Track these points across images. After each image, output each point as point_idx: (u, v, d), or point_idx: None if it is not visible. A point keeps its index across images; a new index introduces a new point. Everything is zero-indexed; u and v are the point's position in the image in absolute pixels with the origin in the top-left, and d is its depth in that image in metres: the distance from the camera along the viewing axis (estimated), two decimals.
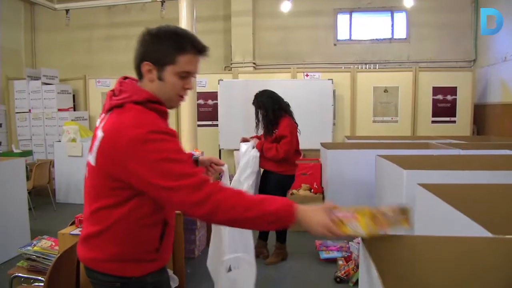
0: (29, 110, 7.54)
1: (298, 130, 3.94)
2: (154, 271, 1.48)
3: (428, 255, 1.52)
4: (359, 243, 3.57)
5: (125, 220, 1.37)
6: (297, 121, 3.98)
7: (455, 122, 6.98)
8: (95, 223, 1.40)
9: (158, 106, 1.40)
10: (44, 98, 7.42)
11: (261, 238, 4.05)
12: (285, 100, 3.99)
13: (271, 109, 3.81)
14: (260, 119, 3.90)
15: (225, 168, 1.68)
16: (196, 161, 1.81)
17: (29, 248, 2.84)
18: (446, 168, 3.18)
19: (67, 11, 7.82)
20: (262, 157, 3.84)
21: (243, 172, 3.63)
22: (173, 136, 1.33)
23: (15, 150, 6.99)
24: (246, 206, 1.25)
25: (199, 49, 1.41)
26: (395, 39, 7.92)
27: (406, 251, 1.53)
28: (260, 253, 4.01)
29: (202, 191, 1.24)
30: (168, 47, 1.37)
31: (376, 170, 3.97)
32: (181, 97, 1.47)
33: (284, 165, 3.82)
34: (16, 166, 4.11)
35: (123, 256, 1.42)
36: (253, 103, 3.95)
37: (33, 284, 2.66)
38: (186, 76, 1.42)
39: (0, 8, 8.18)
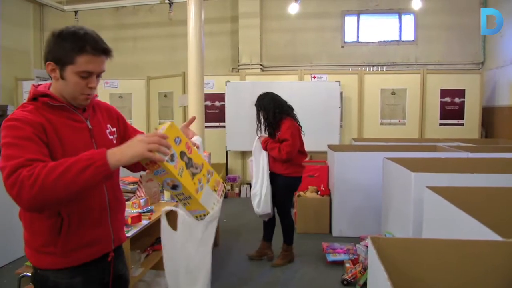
0: None
1: (302, 132, 3.93)
2: (55, 268, 1.47)
3: (437, 258, 1.51)
4: (366, 246, 3.57)
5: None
6: (303, 123, 3.97)
7: (463, 125, 6.94)
8: None
9: (46, 99, 1.44)
10: None
11: (265, 239, 4.04)
12: (292, 102, 3.98)
13: (272, 112, 3.78)
14: (261, 121, 3.90)
15: (197, 140, 1.64)
16: None
17: None
18: (454, 171, 3.17)
19: (75, 12, 7.90)
20: (270, 159, 3.85)
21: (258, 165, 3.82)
22: (25, 123, 1.33)
23: None
24: (50, 168, 1.21)
25: (99, 50, 1.43)
26: (403, 41, 7.89)
27: (415, 254, 1.53)
28: (265, 254, 4.01)
29: (15, 173, 1.22)
30: (68, 48, 1.40)
31: (383, 172, 3.96)
32: (86, 95, 1.49)
33: (290, 167, 3.81)
34: None
35: (27, 241, 1.50)
36: (255, 104, 3.93)
37: None
38: (88, 76, 1.44)
39: (10, 9, 8.27)
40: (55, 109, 1.46)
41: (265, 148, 3.86)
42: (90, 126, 1.55)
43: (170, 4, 7.31)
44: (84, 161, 1.22)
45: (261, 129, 3.94)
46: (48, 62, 1.44)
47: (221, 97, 7.15)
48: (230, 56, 8.33)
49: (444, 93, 6.91)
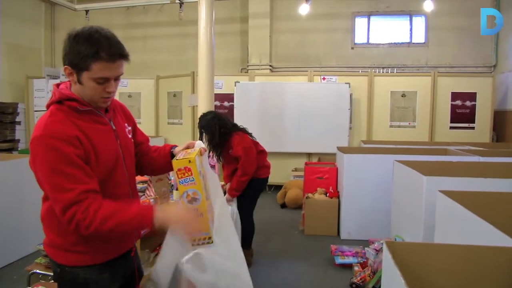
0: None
1: (252, 136, 3.79)
2: (85, 265, 1.51)
3: (453, 263, 1.49)
4: (375, 250, 3.55)
5: (51, 210, 1.44)
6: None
7: (474, 129, 6.87)
8: (43, 209, 1.52)
9: (75, 104, 1.44)
10: None
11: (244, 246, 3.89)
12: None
13: (218, 133, 3.57)
14: (204, 142, 3.65)
15: (200, 144, 1.65)
16: (172, 155, 1.74)
17: None
18: (465, 175, 3.13)
19: (86, 11, 7.94)
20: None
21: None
22: (63, 141, 1.35)
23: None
24: (105, 217, 1.34)
25: (114, 55, 1.40)
26: (414, 43, 7.84)
27: (431, 259, 1.51)
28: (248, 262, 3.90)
29: (69, 210, 1.33)
30: (83, 53, 1.36)
31: (394, 175, 3.92)
32: (105, 99, 1.49)
33: (256, 170, 3.68)
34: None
35: (55, 242, 1.51)
36: (198, 124, 3.72)
37: (50, 281, 2.68)
38: (105, 81, 1.42)
39: (21, 8, 8.34)
40: (82, 113, 1.46)
41: (235, 194, 3.64)
42: (114, 127, 1.58)
43: (180, 4, 7.32)
44: (134, 225, 1.42)
45: (220, 152, 3.72)
46: (65, 66, 1.43)
47: (230, 97, 7.15)
48: (239, 56, 8.33)
49: (455, 96, 6.85)
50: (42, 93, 7.72)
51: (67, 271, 1.52)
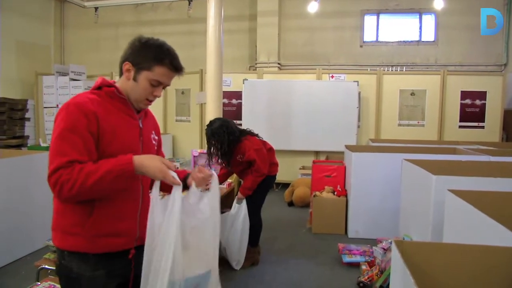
0: (57, 105, 7.70)
1: (259, 136, 3.80)
2: (80, 251, 1.50)
3: (463, 264, 1.48)
4: (383, 249, 3.53)
5: None
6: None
7: (483, 128, 6.81)
8: None
9: (112, 89, 1.57)
10: (72, 94, 7.54)
11: (251, 244, 3.85)
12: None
13: (226, 141, 3.53)
14: (213, 151, 3.63)
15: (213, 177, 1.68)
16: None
17: None
18: (475, 174, 3.10)
19: (96, 8, 7.98)
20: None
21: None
22: (81, 112, 1.44)
23: (42, 144, 7.15)
24: (86, 174, 1.37)
25: (175, 67, 1.58)
26: (423, 41, 7.78)
27: (440, 258, 1.50)
28: (256, 259, 3.91)
29: (56, 173, 1.37)
30: (150, 55, 1.54)
31: (402, 174, 3.90)
32: (148, 101, 1.63)
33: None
34: (43, 159, 4.18)
35: (56, 223, 1.55)
36: (206, 133, 3.67)
37: None
38: (157, 85, 1.58)
39: (31, 5, 8.40)
40: (116, 100, 1.58)
41: (247, 192, 3.63)
42: (141, 126, 1.66)
43: (189, 1, 7.33)
44: (117, 171, 1.41)
45: (211, 158, 3.68)
46: (126, 62, 1.57)
47: (238, 95, 7.15)
48: (247, 54, 8.33)
49: (464, 94, 6.79)
50: (51, 90, 7.78)
51: (63, 264, 1.54)
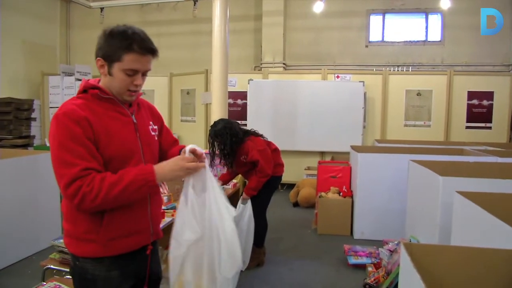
0: None
1: (263, 137, 3.78)
2: (95, 257, 1.51)
3: (473, 266, 1.46)
4: (389, 250, 3.51)
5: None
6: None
7: (490, 128, 6.76)
8: (62, 200, 1.56)
9: (97, 91, 1.53)
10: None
11: (256, 245, 3.84)
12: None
13: (229, 143, 3.51)
14: (216, 151, 3.63)
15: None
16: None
17: (61, 240, 2.87)
18: (483, 176, 3.06)
19: (101, 9, 8.00)
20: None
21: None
22: (73, 120, 1.41)
23: (48, 144, 7.16)
24: (109, 185, 1.38)
25: (145, 49, 1.49)
26: (429, 41, 7.74)
27: (450, 261, 1.48)
28: (261, 260, 3.90)
29: (74, 184, 1.36)
30: (116, 46, 1.47)
31: (409, 175, 3.87)
32: (131, 92, 1.56)
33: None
34: (48, 159, 4.20)
35: (68, 231, 1.54)
36: (209, 134, 3.65)
37: (65, 277, 2.69)
38: (133, 73, 1.51)
39: (37, 5, 8.43)
40: (104, 101, 1.54)
41: (252, 193, 3.62)
42: (135, 121, 1.62)
43: (195, 1, 7.33)
44: (140, 181, 1.42)
45: (213, 162, 3.69)
46: (98, 58, 1.51)
47: (243, 95, 7.14)
48: (253, 54, 8.31)
49: (471, 95, 6.74)
50: (57, 90, 7.79)
51: (78, 265, 1.53)
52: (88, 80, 1.58)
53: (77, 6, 8.67)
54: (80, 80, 7.67)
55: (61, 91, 7.75)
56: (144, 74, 1.55)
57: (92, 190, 1.35)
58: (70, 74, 7.82)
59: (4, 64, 7.66)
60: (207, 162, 1.60)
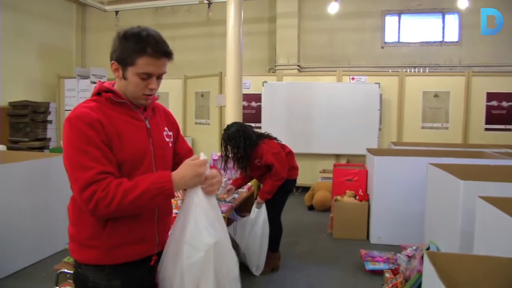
0: None
1: (277, 140, 3.73)
2: (97, 264, 1.46)
3: (496, 276, 1.40)
4: (408, 256, 3.43)
5: (73, 202, 1.48)
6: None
7: (510, 130, 6.60)
8: (69, 203, 1.54)
9: (110, 95, 1.49)
10: None
11: (271, 250, 3.77)
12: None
13: (243, 146, 3.47)
14: (229, 155, 3.59)
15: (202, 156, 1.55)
16: None
17: None
18: (505, 180, 2.97)
19: (116, 12, 8.07)
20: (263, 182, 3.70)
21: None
22: (86, 124, 1.37)
23: None
24: (124, 191, 1.33)
25: (159, 52, 1.44)
26: (446, 42, 7.61)
27: (472, 271, 1.42)
28: (276, 265, 3.84)
29: (89, 189, 1.32)
30: (130, 49, 1.42)
31: (428, 179, 3.78)
32: (146, 96, 1.51)
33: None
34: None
35: (72, 235, 1.50)
36: (223, 137, 3.62)
37: None
38: (148, 77, 1.46)
39: (54, 9, 8.55)
40: (117, 105, 1.50)
41: (267, 196, 3.57)
42: (148, 126, 1.57)
43: (209, 4, 7.33)
44: (156, 189, 1.36)
45: (227, 165, 3.64)
46: (112, 62, 1.47)
47: (257, 97, 7.10)
48: (267, 56, 8.28)
49: (490, 96, 6.59)
50: (73, 93, 7.87)
51: (79, 272, 1.50)
52: (103, 82, 1.55)
53: (92, 10, 8.77)
54: (95, 83, 7.73)
55: (77, 94, 7.83)
56: (159, 77, 1.50)
57: (107, 196, 1.31)
58: (86, 77, 7.90)
59: (21, 67, 7.77)
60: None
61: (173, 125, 1.77)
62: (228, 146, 3.56)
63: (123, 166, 1.44)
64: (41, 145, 7.67)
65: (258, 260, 3.63)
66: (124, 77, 1.47)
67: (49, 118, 7.94)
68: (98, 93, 1.51)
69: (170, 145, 1.69)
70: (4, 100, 7.48)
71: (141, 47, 1.40)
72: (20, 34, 7.72)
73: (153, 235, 1.55)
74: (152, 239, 1.55)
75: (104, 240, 1.44)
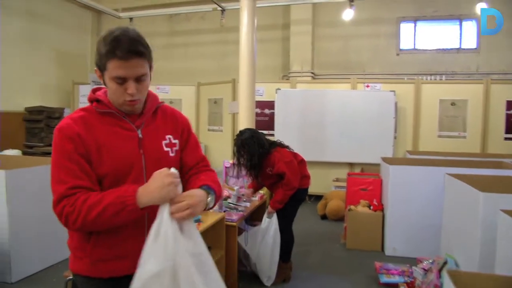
0: None
1: (289, 148, 3.66)
2: (86, 275, 1.44)
3: None
4: (424, 269, 3.31)
5: None
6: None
7: None
8: None
9: (97, 105, 1.44)
10: None
11: (282, 260, 3.70)
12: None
13: (257, 154, 3.43)
14: (242, 162, 3.53)
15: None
16: None
17: None
18: None
19: (130, 19, 8.13)
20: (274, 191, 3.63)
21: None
22: (66, 136, 1.35)
23: None
24: (89, 207, 1.27)
25: (124, 53, 1.31)
26: (463, 49, 7.45)
27: None
28: (288, 275, 3.75)
29: (60, 203, 1.31)
30: (102, 53, 1.34)
31: (445, 190, 3.67)
32: (129, 102, 1.41)
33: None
34: None
35: (68, 245, 1.51)
36: (236, 143, 3.57)
37: None
38: (123, 81, 1.36)
39: (69, 16, 8.65)
40: (105, 115, 1.44)
41: (278, 206, 3.51)
42: (140, 135, 1.47)
43: (222, 11, 7.32)
44: (118, 205, 1.27)
45: (240, 172, 3.62)
46: (95, 68, 1.42)
47: (270, 104, 7.04)
48: (281, 63, 8.23)
49: (510, 104, 6.42)
50: (86, 99, 7.92)
51: (74, 281, 1.51)
52: (98, 89, 1.49)
53: (107, 17, 8.84)
54: None
55: None
56: (139, 80, 1.38)
57: (74, 211, 1.28)
58: (99, 83, 7.92)
59: (36, 73, 7.86)
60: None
61: (182, 132, 1.63)
62: (241, 152, 3.50)
63: (105, 179, 1.39)
64: None
65: (269, 270, 3.56)
66: (105, 84, 1.40)
67: None
68: (91, 101, 1.46)
69: (171, 154, 1.55)
70: (21, 105, 7.55)
71: (109, 50, 1.31)
72: (36, 41, 7.81)
73: (139, 252, 1.35)
74: (138, 256, 1.35)
75: (89, 253, 1.41)
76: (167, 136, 1.56)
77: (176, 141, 1.59)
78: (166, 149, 1.54)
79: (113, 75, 1.34)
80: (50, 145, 7.50)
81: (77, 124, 1.38)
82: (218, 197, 1.50)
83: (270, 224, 3.52)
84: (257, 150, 3.43)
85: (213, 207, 1.50)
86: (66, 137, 1.35)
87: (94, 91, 1.49)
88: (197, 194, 1.38)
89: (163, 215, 1.28)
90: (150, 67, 1.43)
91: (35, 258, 3.79)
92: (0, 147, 6.53)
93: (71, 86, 8.24)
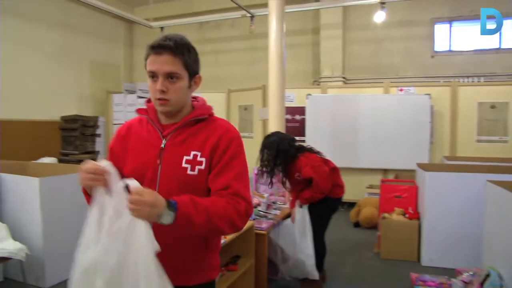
0: (125, 122, 7.97)
1: (320, 154, 3.53)
2: None
3: None
4: (464, 282, 3.14)
5: None
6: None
7: None
8: None
9: (140, 109, 1.55)
10: None
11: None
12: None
13: (282, 157, 3.39)
14: (265, 164, 3.48)
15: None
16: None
17: None
18: None
19: (161, 28, 8.26)
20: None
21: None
22: (116, 137, 1.58)
23: None
24: None
25: (158, 47, 1.37)
26: (503, 49, 7.15)
27: None
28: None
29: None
30: (146, 53, 1.43)
31: (486, 197, 3.48)
32: (159, 101, 1.40)
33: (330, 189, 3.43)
34: None
35: None
36: (264, 146, 3.53)
37: None
38: (153, 76, 1.40)
39: (103, 27, 8.90)
40: (148, 121, 1.52)
41: (305, 202, 3.42)
42: (162, 146, 1.43)
43: (252, 17, 7.33)
44: None
45: (272, 179, 3.50)
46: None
47: (301, 110, 6.96)
48: (311, 68, 8.15)
49: None
50: (120, 107, 8.09)
51: None
52: (149, 99, 1.52)
53: (139, 27, 9.04)
54: (142, 97, 7.91)
55: (124, 109, 8.03)
56: (168, 77, 1.37)
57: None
58: (133, 92, 8.10)
59: (72, 83, 8.10)
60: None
61: (215, 151, 1.43)
62: (265, 154, 3.47)
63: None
64: (90, 158, 7.89)
65: (310, 260, 3.41)
66: None
67: (97, 132, 8.17)
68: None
69: (190, 172, 1.40)
70: (57, 114, 7.78)
71: (149, 46, 1.39)
72: (72, 51, 8.06)
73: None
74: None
75: None
76: (193, 152, 1.42)
77: (203, 159, 1.42)
78: (184, 165, 1.40)
79: (148, 69, 1.40)
80: (85, 152, 7.69)
81: (128, 126, 1.58)
82: (186, 221, 1.23)
83: (303, 215, 3.43)
84: (281, 153, 3.38)
85: (174, 227, 1.23)
86: (115, 134, 1.59)
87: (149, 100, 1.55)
88: (150, 198, 1.18)
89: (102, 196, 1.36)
90: (191, 73, 1.45)
91: (69, 263, 3.82)
92: (37, 155, 6.74)
93: (105, 95, 8.44)
